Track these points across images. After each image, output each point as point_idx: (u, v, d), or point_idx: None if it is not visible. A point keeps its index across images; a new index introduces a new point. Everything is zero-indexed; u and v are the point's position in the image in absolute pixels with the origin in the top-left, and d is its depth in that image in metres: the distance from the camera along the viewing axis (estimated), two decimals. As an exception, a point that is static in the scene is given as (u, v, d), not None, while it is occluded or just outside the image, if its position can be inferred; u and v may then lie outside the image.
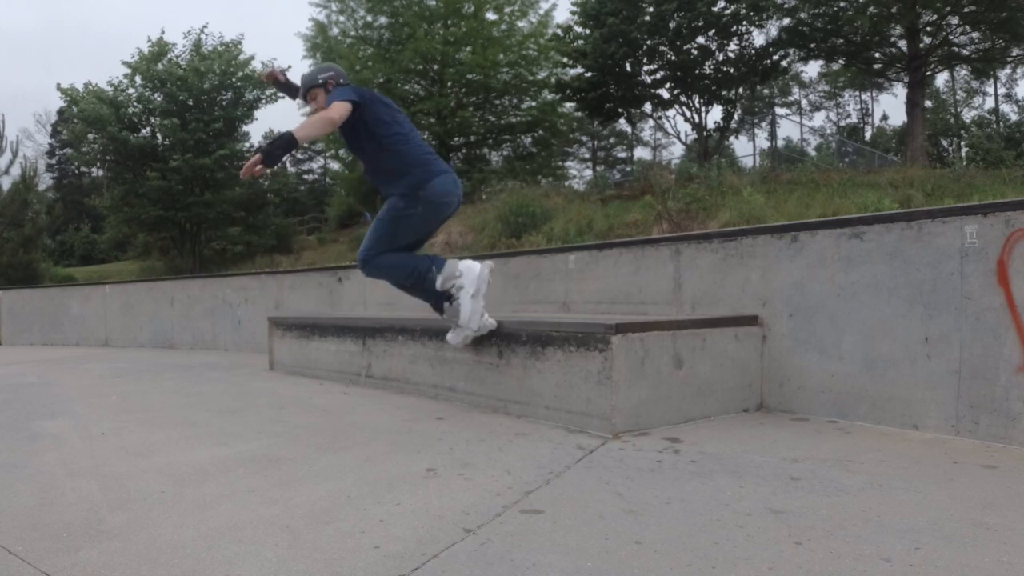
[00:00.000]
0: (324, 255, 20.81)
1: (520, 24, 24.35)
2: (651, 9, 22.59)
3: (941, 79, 35.62)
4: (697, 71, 23.64)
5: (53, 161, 47.78)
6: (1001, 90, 39.05)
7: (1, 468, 2.83)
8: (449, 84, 24.07)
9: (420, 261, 3.64)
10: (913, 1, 20.16)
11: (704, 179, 15.77)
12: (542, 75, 24.70)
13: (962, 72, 34.54)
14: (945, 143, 34.63)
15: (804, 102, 48.16)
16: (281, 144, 3.13)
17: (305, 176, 48.41)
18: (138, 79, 22.56)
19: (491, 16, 23.97)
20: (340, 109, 3.32)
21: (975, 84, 38.98)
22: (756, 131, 43.88)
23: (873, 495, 2.25)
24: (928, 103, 30.77)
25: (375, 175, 3.72)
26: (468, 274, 3.58)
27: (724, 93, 24.40)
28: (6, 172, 21.15)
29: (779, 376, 3.68)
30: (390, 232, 3.61)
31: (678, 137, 30.34)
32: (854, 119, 49.07)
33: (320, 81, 3.72)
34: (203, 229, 23.73)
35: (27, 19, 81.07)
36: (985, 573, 1.66)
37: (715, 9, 22.06)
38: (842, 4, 21.62)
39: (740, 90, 24.91)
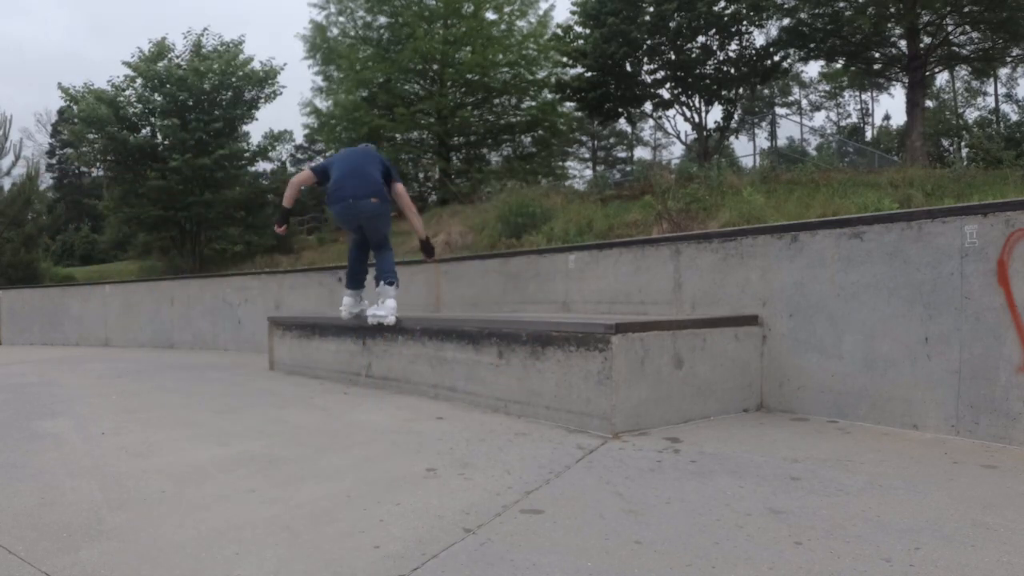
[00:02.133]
0: (324, 255, 20.78)
1: (520, 24, 24.34)
2: (651, 9, 22.57)
3: (941, 79, 35.63)
4: (697, 71, 23.62)
5: (53, 161, 47.76)
6: (1001, 90, 39.06)
7: (1, 468, 2.83)
8: (449, 84, 24.07)
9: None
10: (913, 1, 20.15)
11: (704, 179, 15.75)
12: (542, 75, 24.69)
13: (962, 72, 34.54)
14: (945, 143, 34.61)
15: (804, 102, 48.14)
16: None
17: (305, 176, 48.32)
18: (138, 81, 22.55)
19: (491, 16, 23.96)
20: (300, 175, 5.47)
21: (975, 84, 38.97)
22: (756, 131, 43.86)
23: (873, 495, 2.25)
24: (929, 103, 30.77)
25: None
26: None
27: (724, 93, 24.37)
28: (7, 173, 21.16)
29: (779, 376, 3.68)
30: None
31: (678, 137, 30.35)
32: (855, 119, 49.10)
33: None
34: (203, 229, 23.69)
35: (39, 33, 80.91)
36: (985, 573, 1.66)
37: (715, 9, 22.03)
38: (842, 4, 21.61)
39: (740, 90, 24.89)
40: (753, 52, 23.69)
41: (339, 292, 7.88)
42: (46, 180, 39.88)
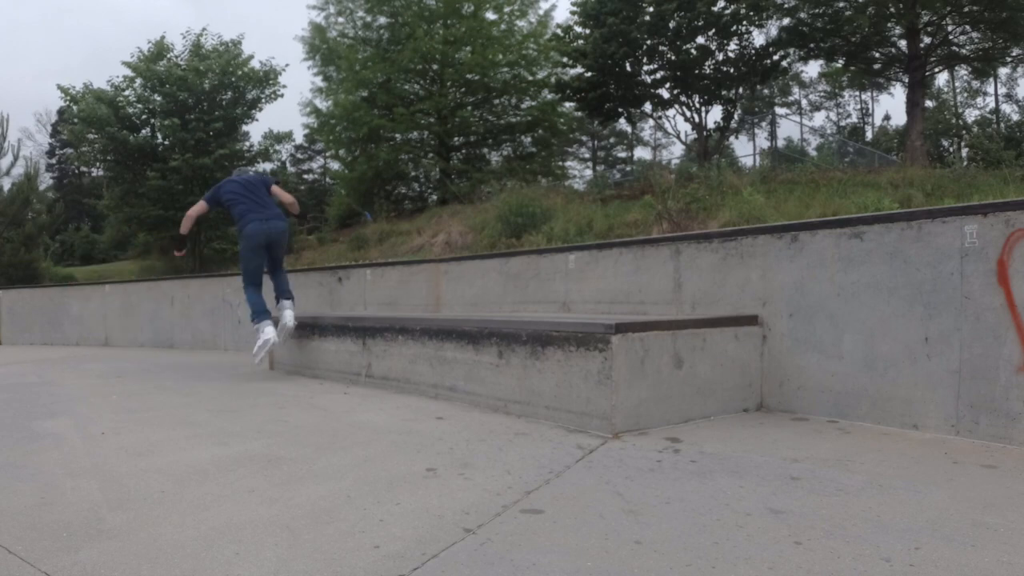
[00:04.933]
0: (324, 255, 20.78)
1: (520, 24, 24.34)
2: (651, 9, 22.56)
3: (941, 79, 35.64)
4: (697, 71, 23.60)
5: (53, 161, 47.77)
6: (1001, 90, 39.08)
7: (1, 468, 2.83)
8: (449, 84, 24.06)
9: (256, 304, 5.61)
10: (913, 1, 20.15)
11: (704, 179, 15.74)
12: (542, 75, 24.69)
13: (962, 72, 34.54)
14: (945, 143, 34.61)
15: (804, 102, 48.16)
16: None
17: (305, 176, 48.39)
18: (138, 81, 22.53)
19: (491, 16, 23.96)
20: (195, 207, 6.48)
21: (975, 84, 38.98)
22: (756, 131, 43.89)
23: (873, 495, 2.25)
24: (929, 103, 30.77)
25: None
26: (260, 333, 5.51)
27: (724, 93, 24.36)
28: (7, 174, 21.15)
29: (779, 376, 3.68)
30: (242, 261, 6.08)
31: (678, 137, 30.37)
32: (855, 119, 49.10)
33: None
34: (203, 229, 23.70)
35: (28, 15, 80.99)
36: (985, 573, 1.66)
37: (715, 9, 22.02)
38: (842, 4, 21.61)
39: (740, 90, 24.88)
40: (753, 52, 23.68)
41: (339, 292, 7.90)
42: (46, 180, 39.82)
